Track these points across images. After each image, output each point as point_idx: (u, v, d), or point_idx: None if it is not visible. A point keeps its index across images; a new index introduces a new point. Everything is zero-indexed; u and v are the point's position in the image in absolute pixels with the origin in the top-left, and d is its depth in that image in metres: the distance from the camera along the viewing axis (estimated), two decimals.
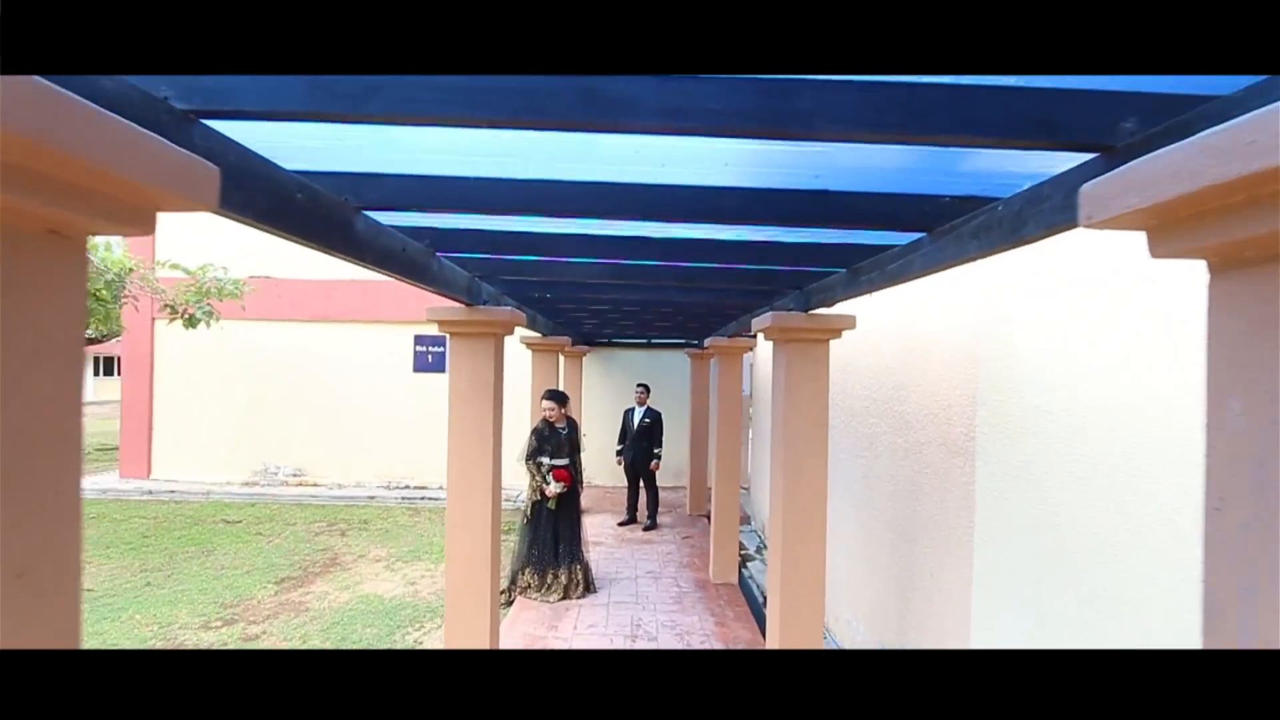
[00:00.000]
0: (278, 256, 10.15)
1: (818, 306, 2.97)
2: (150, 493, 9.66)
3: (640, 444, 7.48)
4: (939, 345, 3.23)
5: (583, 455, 5.59)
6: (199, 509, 8.72)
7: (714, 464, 5.70)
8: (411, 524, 8.08)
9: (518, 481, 6.27)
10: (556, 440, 5.21)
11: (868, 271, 2.25)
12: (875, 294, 2.78)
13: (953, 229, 1.62)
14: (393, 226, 2.19)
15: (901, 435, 3.65)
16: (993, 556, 2.77)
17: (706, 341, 5.77)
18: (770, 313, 3.02)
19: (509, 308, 3.05)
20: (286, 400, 10.26)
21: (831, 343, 3.10)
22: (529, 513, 5.24)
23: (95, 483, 10.16)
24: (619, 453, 7.72)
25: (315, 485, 10.16)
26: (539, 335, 5.80)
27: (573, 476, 5.23)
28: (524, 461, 5.22)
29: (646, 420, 7.50)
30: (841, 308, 3.01)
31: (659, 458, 7.47)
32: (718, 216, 1.72)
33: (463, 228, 2.35)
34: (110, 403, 18.52)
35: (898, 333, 3.71)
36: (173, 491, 9.68)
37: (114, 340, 11.14)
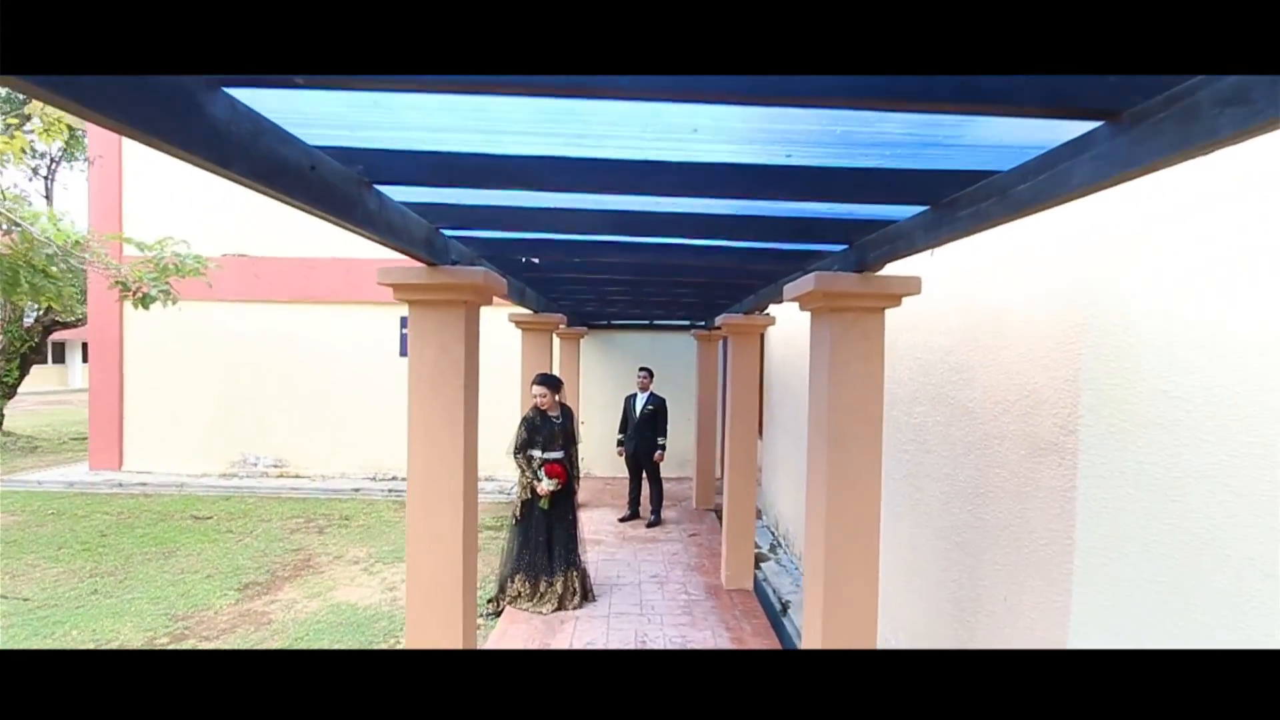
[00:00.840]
0: (253, 234, 9.51)
1: (874, 265, 2.34)
2: (120, 485, 9.06)
3: (643, 433, 6.87)
4: (1021, 315, 2.60)
5: (580, 446, 4.99)
6: (169, 503, 8.13)
7: (726, 455, 5.09)
8: (396, 520, 7.49)
9: (514, 474, 5.67)
10: (549, 431, 4.59)
11: (974, 202, 1.61)
12: (920, 256, 2.18)
13: (1178, 101, 0.99)
14: (319, 147, 1.56)
15: (962, 426, 3.03)
16: (1101, 584, 2.16)
17: (719, 319, 5.15)
18: (812, 274, 2.39)
19: (483, 269, 2.41)
20: (266, 387, 9.64)
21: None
22: (518, 513, 4.64)
23: (64, 475, 9.56)
24: (620, 443, 7.11)
25: (297, 477, 9.57)
26: (529, 312, 5.16)
27: (568, 472, 4.62)
28: (513, 455, 4.61)
29: (649, 407, 6.89)
30: (892, 269, 2.39)
31: (663, 448, 6.86)
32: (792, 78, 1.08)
33: (411, 149, 1.71)
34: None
35: (957, 301, 3.07)
36: (144, 484, 9.08)
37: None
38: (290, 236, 9.50)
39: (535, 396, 4.61)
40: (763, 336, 7.37)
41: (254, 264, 9.53)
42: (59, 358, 30.01)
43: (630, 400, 7.05)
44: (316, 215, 1.52)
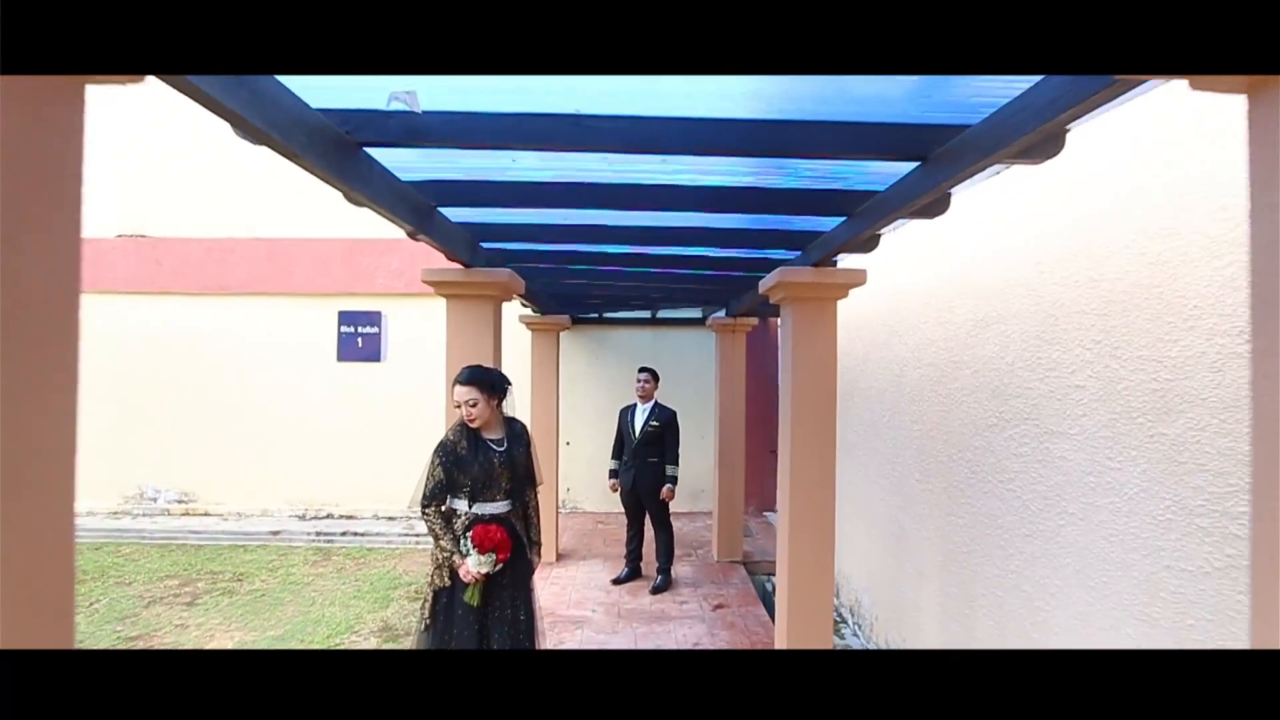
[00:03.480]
0: (155, 209, 7.62)
1: None
2: None
3: (645, 459, 4.89)
4: None
5: (540, 490, 3.00)
6: None
7: (784, 503, 3.14)
8: (309, 578, 5.49)
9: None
10: (484, 465, 2.62)
11: None
12: None
13: None
14: None
15: None
16: None
17: (764, 284, 3.21)
18: None
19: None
20: (171, 401, 7.65)
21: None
22: (429, 609, 2.64)
23: None
24: (612, 473, 5.12)
25: (206, 515, 7.55)
26: (458, 265, 3.16)
27: (515, 540, 2.64)
28: (420, 510, 2.64)
29: (654, 424, 4.91)
30: None
31: (674, 481, 4.87)
32: None
33: None
34: None
35: None
36: None
37: None
38: (199, 212, 7.59)
39: (459, 403, 2.64)
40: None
41: (154, 246, 7.61)
42: None
43: (627, 414, 5.07)
44: None
